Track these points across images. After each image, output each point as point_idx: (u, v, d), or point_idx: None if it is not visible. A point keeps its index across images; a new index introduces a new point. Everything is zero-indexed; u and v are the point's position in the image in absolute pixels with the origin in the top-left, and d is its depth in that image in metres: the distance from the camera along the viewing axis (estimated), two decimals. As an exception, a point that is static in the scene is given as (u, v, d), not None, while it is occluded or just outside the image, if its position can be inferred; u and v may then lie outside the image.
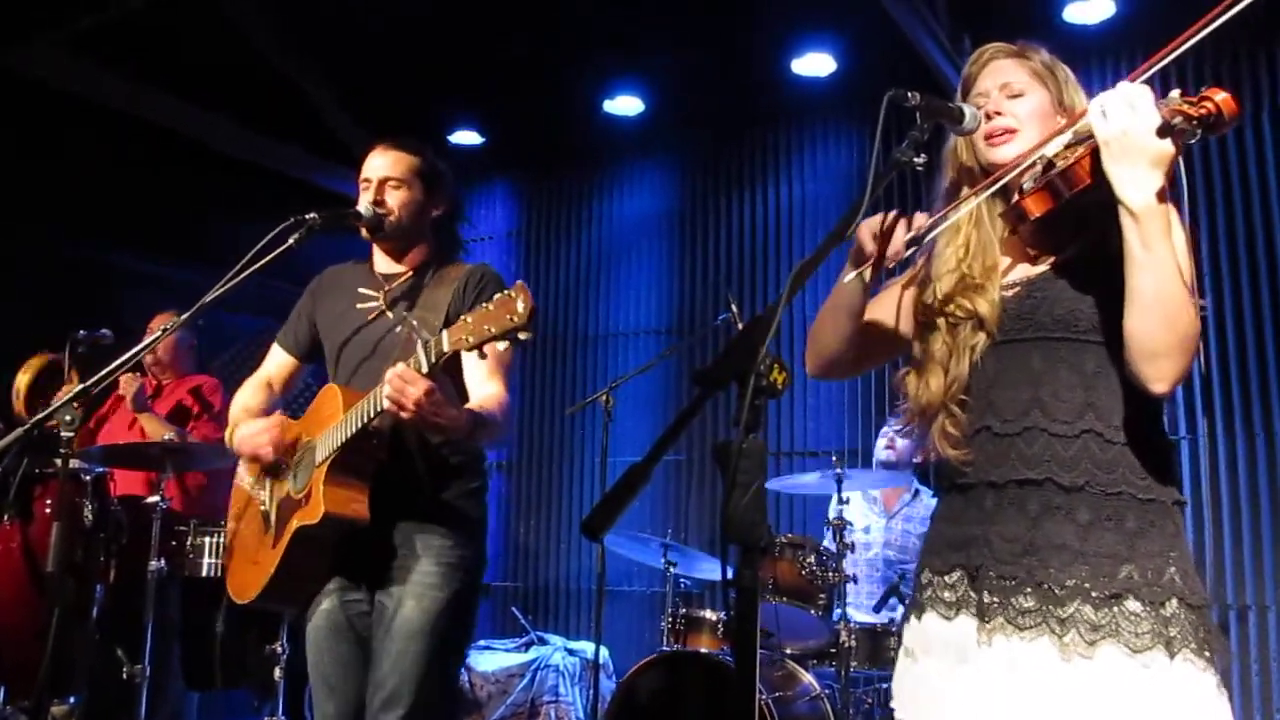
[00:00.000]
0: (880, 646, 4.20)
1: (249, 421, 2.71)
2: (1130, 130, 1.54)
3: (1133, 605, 1.63)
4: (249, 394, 2.85)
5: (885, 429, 5.13)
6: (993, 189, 1.79)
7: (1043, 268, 1.82)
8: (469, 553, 2.60)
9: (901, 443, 5.02)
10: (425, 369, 2.24)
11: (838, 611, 4.15)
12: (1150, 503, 1.69)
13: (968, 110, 1.80)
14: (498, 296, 2.16)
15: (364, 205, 2.70)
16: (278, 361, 2.90)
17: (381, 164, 2.75)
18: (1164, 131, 1.52)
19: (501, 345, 2.19)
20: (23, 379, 4.60)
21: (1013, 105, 1.83)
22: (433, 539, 2.54)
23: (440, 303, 2.63)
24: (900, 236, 1.78)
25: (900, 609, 4.37)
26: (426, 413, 2.24)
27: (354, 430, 2.39)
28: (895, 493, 5.01)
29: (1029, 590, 1.68)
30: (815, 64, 5.84)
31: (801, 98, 6.15)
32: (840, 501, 4.27)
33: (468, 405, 2.48)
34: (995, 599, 1.70)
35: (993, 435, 1.77)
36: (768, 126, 6.57)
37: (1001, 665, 1.67)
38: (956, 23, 5.35)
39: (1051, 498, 1.71)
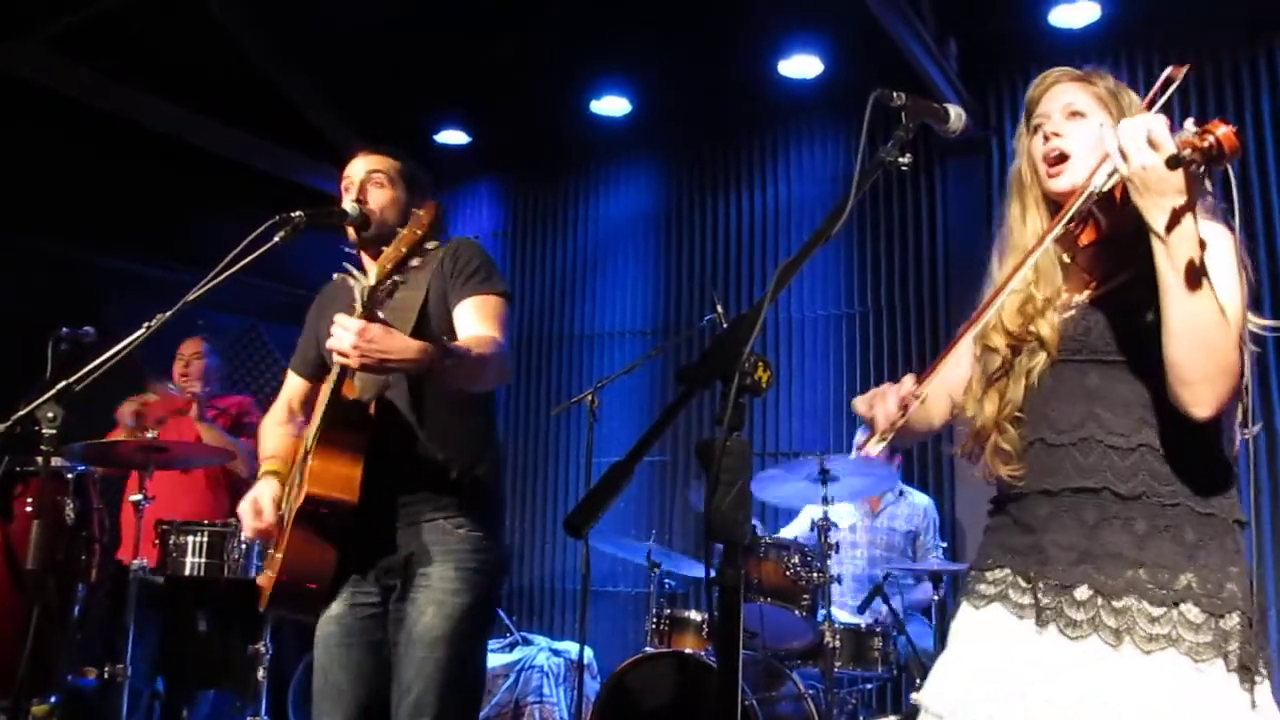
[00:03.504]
0: (864, 647, 4.21)
1: (249, 501, 2.62)
2: (1149, 165, 1.55)
3: (1192, 613, 1.62)
4: (274, 432, 2.81)
5: (859, 435, 5.13)
6: (1047, 242, 1.79)
7: (1098, 292, 1.82)
8: (488, 555, 2.56)
9: (876, 448, 5.01)
10: (360, 310, 2.22)
11: (822, 612, 4.15)
12: (1209, 517, 1.69)
13: (952, 110, 1.80)
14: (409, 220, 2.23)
15: (348, 204, 2.69)
16: (292, 386, 2.89)
17: (362, 165, 2.75)
18: (1174, 164, 1.53)
19: (415, 261, 2.23)
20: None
21: (1071, 126, 1.83)
22: (451, 543, 2.51)
23: (421, 281, 2.60)
24: (892, 404, 1.78)
25: (884, 609, 4.38)
26: (369, 351, 2.18)
27: (326, 404, 2.36)
28: (880, 495, 5.03)
29: (1084, 585, 1.68)
30: (802, 66, 5.86)
31: (788, 99, 6.17)
32: (825, 502, 4.28)
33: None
34: (1050, 600, 1.70)
35: (1047, 446, 1.78)
36: (754, 128, 6.58)
37: (1055, 659, 1.67)
38: (943, 26, 5.36)
39: (1109, 506, 1.70)
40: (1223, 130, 1.52)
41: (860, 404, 1.85)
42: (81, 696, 4.18)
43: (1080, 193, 1.75)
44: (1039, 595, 1.71)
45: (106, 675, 3.96)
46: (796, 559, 4.25)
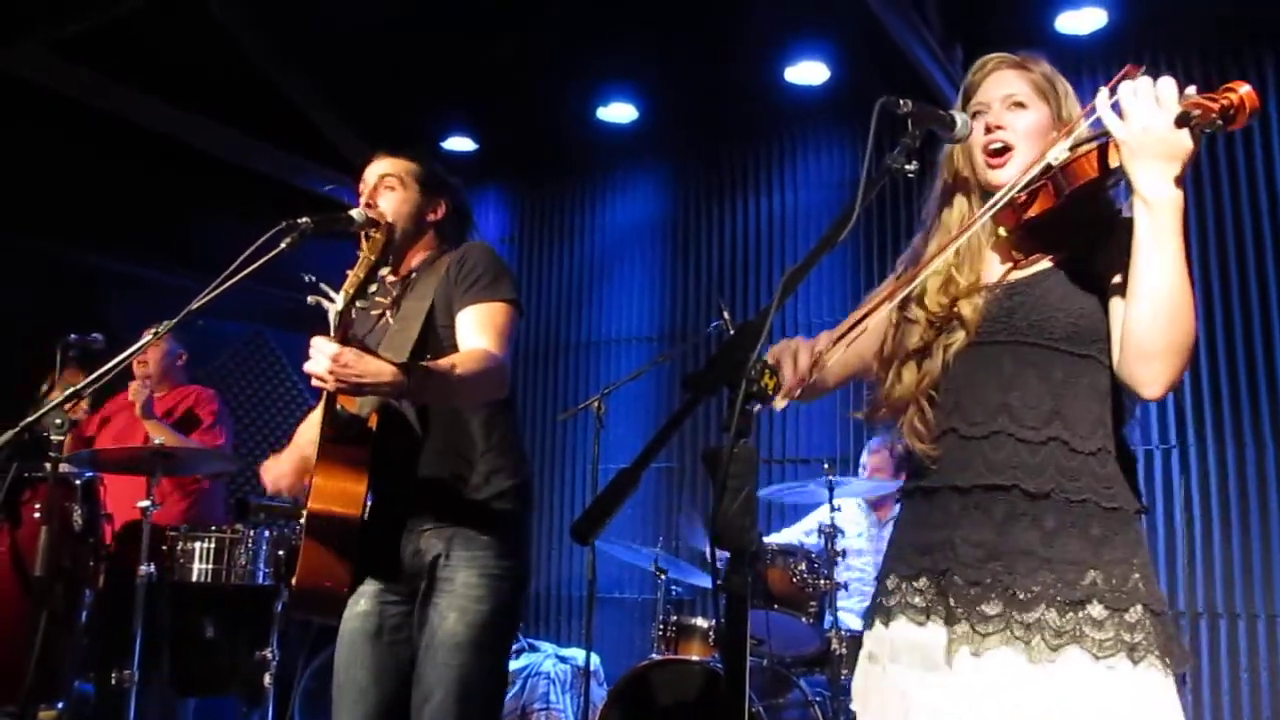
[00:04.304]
0: (871, 654, 4.20)
1: (275, 459, 2.68)
2: (1151, 125, 1.55)
3: (1096, 611, 1.63)
4: (312, 420, 2.80)
5: (868, 448, 5.12)
6: (990, 213, 1.78)
7: (1026, 272, 1.82)
8: (512, 561, 2.57)
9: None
10: (332, 333, 2.21)
11: (829, 619, 4.15)
12: (1114, 511, 1.70)
13: (959, 118, 1.80)
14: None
15: (357, 210, 2.69)
16: None
17: (378, 168, 2.75)
18: (1181, 122, 1.53)
19: (373, 287, 2.24)
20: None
21: (1013, 118, 1.84)
22: (475, 549, 2.51)
23: (427, 291, 2.61)
24: (804, 362, 1.74)
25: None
26: (344, 376, 2.16)
27: (322, 419, 2.36)
28: (890, 504, 5.02)
29: (994, 596, 1.67)
30: (808, 72, 5.86)
31: (794, 106, 6.17)
32: (832, 509, 4.28)
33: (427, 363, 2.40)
34: (960, 605, 1.70)
35: (959, 438, 1.77)
36: (760, 134, 6.59)
37: (969, 672, 1.66)
38: (949, 32, 5.37)
39: (1017, 504, 1.70)
40: (1245, 89, 1.51)
41: (770, 358, 1.80)
42: (87, 702, 4.19)
43: (1026, 171, 1.75)
44: (950, 600, 1.71)
45: (114, 680, 3.96)
46: (803, 566, 4.25)
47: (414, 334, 2.51)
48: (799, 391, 1.74)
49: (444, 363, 2.37)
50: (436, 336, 2.56)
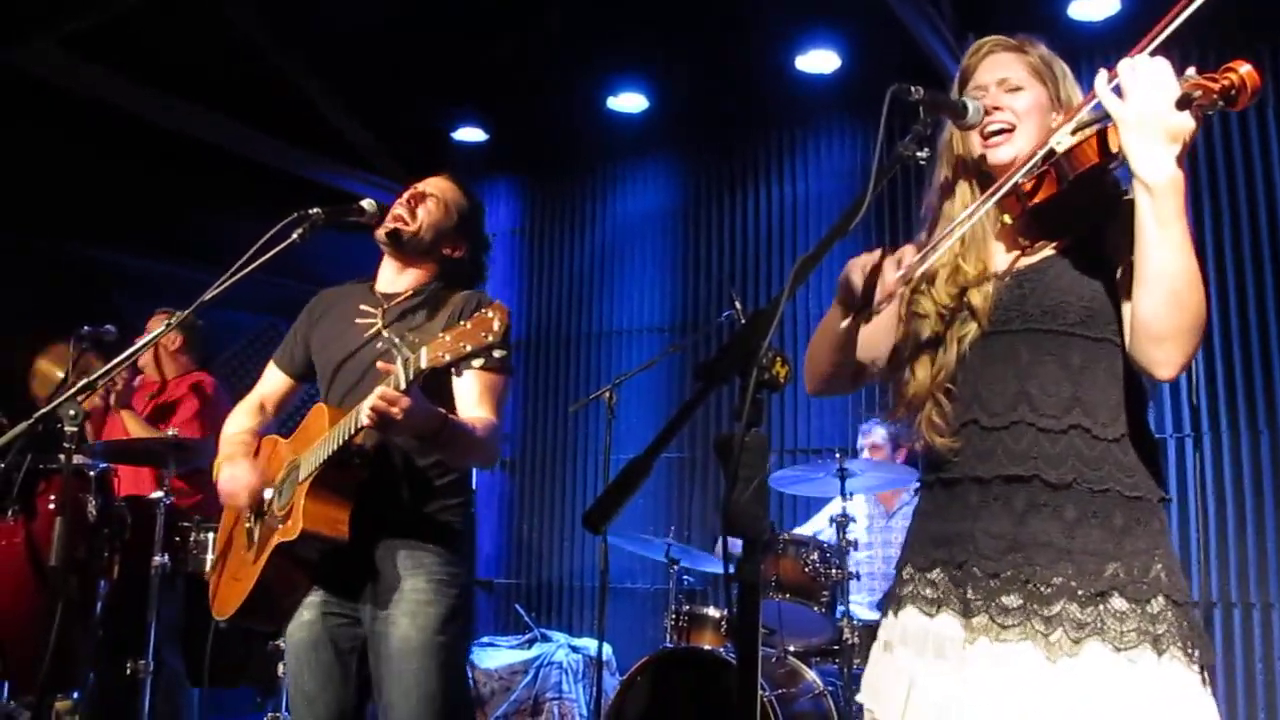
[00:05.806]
0: (883, 644, 4.20)
1: (231, 465, 2.68)
2: (1150, 105, 1.53)
3: (1118, 603, 1.61)
4: (240, 419, 2.84)
5: (865, 429, 5.10)
6: (996, 197, 1.76)
7: (1033, 259, 1.80)
8: (458, 568, 2.59)
9: (886, 447, 5.00)
10: (403, 385, 2.23)
11: (840, 608, 4.15)
12: (1137, 500, 1.68)
13: (970, 104, 1.79)
14: (475, 314, 2.19)
15: (368, 201, 2.70)
16: (273, 382, 2.89)
17: (434, 181, 2.79)
18: (1183, 104, 1.51)
19: (477, 363, 2.24)
20: (46, 365, 4.62)
21: (1011, 100, 1.82)
22: (421, 555, 2.53)
23: (434, 329, 2.61)
24: (891, 274, 1.72)
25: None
26: (401, 426, 2.26)
27: (335, 447, 2.38)
28: (895, 492, 5.01)
29: (1014, 589, 1.66)
30: (819, 61, 5.84)
31: (805, 95, 6.15)
32: (844, 498, 4.27)
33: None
34: (979, 597, 1.68)
35: (980, 429, 1.75)
36: (771, 123, 6.57)
37: (986, 665, 1.65)
38: (961, 19, 5.34)
39: (1038, 494, 1.69)
40: (1245, 68, 1.49)
41: (856, 271, 1.76)
42: (103, 693, 4.20)
43: (1029, 157, 1.73)
44: (968, 592, 1.70)
45: (129, 671, 3.98)
46: (815, 556, 4.25)
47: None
48: (888, 303, 1.74)
49: (467, 424, 2.47)
50: (438, 379, 2.54)
